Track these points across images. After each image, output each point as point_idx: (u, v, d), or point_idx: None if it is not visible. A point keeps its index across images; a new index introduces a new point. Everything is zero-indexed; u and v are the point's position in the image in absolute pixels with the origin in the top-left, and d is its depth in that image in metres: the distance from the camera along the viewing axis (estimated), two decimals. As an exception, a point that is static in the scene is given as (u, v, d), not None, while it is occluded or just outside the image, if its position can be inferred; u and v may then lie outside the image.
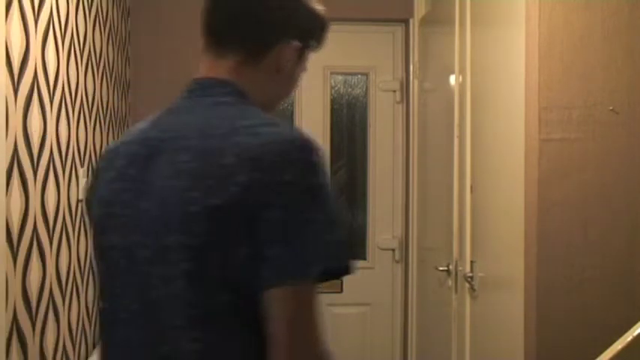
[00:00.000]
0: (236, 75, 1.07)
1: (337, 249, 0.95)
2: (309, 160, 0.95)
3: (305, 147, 0.95)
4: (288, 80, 1.13)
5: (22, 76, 1.53)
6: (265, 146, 0.93)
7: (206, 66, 1.09)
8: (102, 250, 1.06)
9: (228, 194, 0.91)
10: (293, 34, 1.09)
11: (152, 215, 0.97)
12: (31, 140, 1.58)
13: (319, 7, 1.14)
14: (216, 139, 0.96)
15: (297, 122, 3.29)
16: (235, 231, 0.91)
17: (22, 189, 1.52)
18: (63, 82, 1.87)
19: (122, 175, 1.03)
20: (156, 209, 0.97)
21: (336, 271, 0.96)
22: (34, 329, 1.61)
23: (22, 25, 1.53)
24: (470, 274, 2.32)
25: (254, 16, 1.07)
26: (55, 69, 1.79)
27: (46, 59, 1.71)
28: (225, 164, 0.93)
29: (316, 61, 3.76)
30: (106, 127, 2.49)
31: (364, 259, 3.33)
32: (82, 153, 2.09)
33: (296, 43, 1.09)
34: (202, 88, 1.06)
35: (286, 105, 3.30)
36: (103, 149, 1.38)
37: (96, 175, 1.10)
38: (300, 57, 1.12)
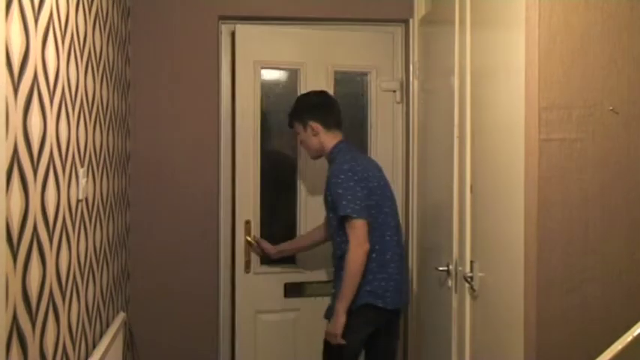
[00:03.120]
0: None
1: None
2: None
3: None
4: None
5: (22, 76, 1.53)
6: None
7: (340, 135, 2.84)
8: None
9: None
10: None
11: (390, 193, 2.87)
12: (31, 140, 1.58)
13: None
14: (376, 166, 2.91)
15: (297, 122, 3.29)
16: None
17: (22, 189, 1.52)
18: (63, 82, 1.87)
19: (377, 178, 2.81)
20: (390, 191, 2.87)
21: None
22: (34, 329, 1.61)
23: (22, 25, 1.53)
24: (470, 274, 2.32)
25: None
26: (55, 69, 1.79)
27: (46, 59, 1.71)
28: None
29: (317, 60, 3.72)
30: (106, 127, 2.49)
31: (364, 259, 3.38)
32: (82, 153, 2.08)
33: None
34: (349, 145, 2.86)
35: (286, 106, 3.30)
36: (350, 167, 2.70)
37: (362, 175, 2.70)
38: None
